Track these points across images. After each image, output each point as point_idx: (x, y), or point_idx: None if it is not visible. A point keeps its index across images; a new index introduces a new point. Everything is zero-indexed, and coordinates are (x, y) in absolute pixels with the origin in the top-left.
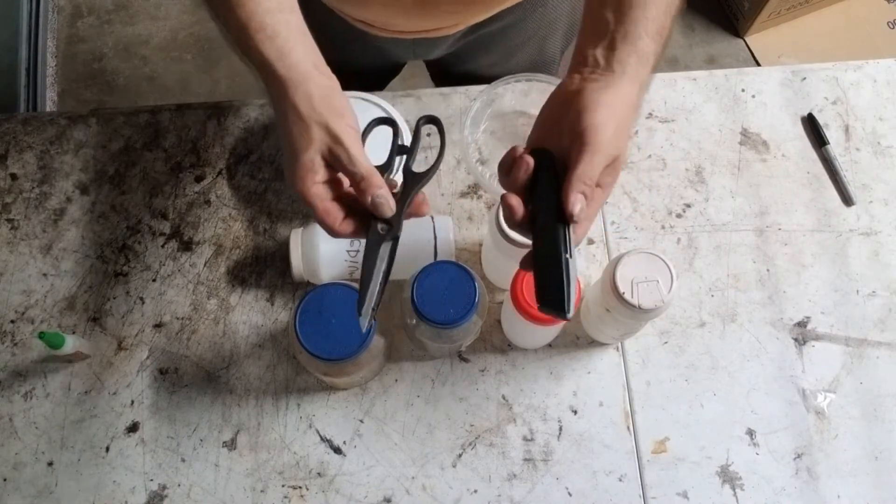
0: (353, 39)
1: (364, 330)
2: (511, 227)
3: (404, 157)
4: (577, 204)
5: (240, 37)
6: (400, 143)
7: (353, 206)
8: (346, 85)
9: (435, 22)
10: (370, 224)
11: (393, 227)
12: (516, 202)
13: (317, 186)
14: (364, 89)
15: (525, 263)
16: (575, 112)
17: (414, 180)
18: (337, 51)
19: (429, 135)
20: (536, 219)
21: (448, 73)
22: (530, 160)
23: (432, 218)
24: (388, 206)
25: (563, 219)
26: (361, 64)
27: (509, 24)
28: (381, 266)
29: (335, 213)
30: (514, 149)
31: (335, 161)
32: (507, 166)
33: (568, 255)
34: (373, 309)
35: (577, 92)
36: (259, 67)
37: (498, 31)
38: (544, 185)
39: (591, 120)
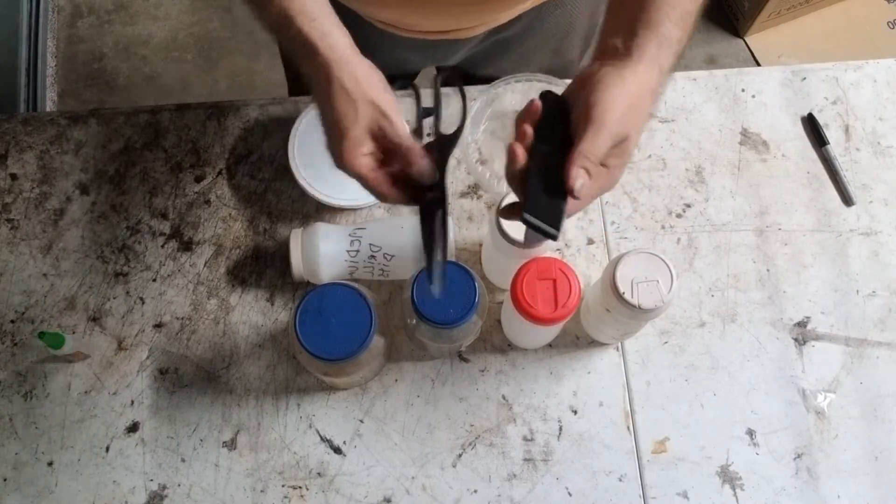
0: (372, 45)
1: (438, 294)
2: (509, 179)
3: (431, 118)
4: (578, 178)
5: (280, 19)
6: (423, 106)
7: (394, 176)
8: None
9: (456, 22)
10: (413, 193)
11: (442, 192)
12: (519, 150)
13: (364, 158)
14: None
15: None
16: (586, 92)
17: (447, 143)
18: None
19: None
20: (538, 151)
21: (464, 78)
22: (538, 103)
23: None
24: (433, 173)
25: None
26: (381, 68)
27: (527, 27)
28: (440, 231)
29: (385, 180)
30: (531, 101)
31: (382, 135)
32: (521, 116)
33: (556, 232)
34: (442, 274)
35: (593, 74)
36: (300, 47)
37: (516, 35)
38: (552, 131)
39: (599, 98)
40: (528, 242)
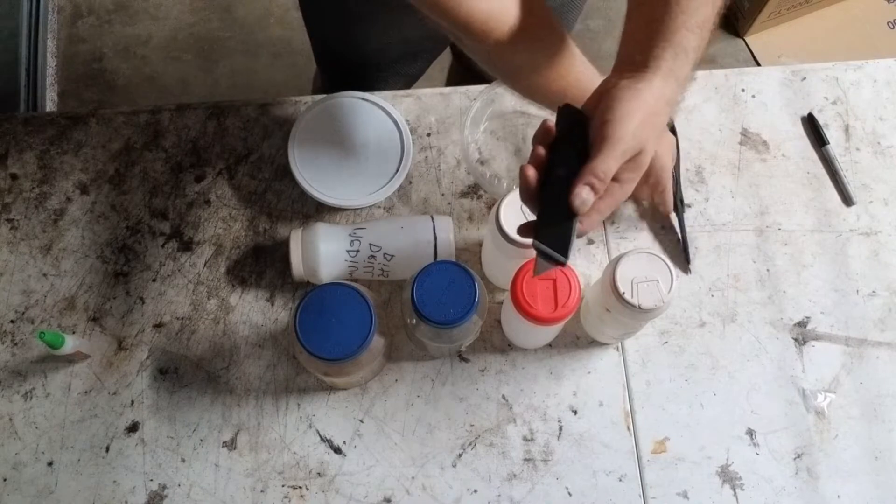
0: (408, 13)
1: (566, 260)
2: (524, 199)
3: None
4: (577, 197)
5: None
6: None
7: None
8: (400, 68)
9: None
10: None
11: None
12: (531, 172)
13: None
14: (414, 72)
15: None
16: (602, 108)
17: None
18: (396, 29)
19: (428, 134)
20: (553, 172)
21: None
22: (549, 124)
23: (432, 218)
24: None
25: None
26: (414, 41)
27: None
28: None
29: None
30: (543, 122)
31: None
32: (536, 138)
33: (563, 258)
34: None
35: (610, 89)
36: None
37: None
38: (569, 147)
39: (612, 114)
40: (538, 269)
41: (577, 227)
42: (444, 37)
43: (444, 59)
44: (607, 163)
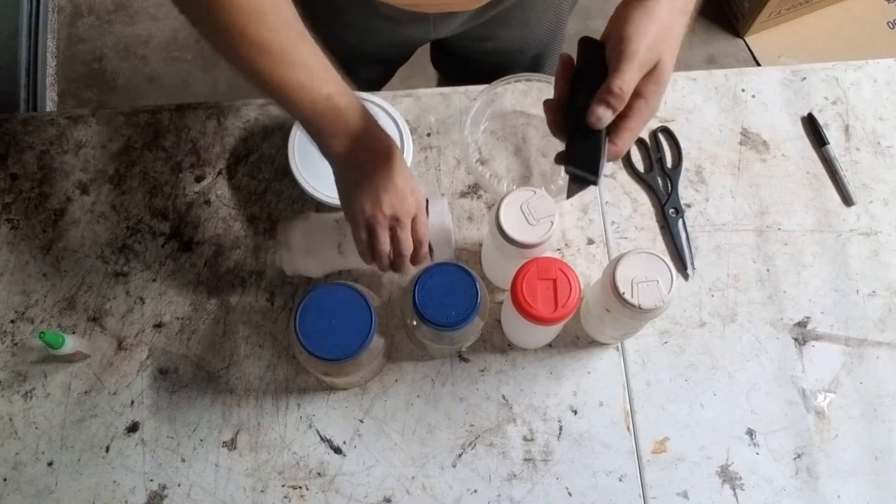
0: (372, 17)
1: (597, 179)
2: (552, 132)
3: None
4: (592, 114)
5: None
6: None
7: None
8: (358, 72)
9: None
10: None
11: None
12: (552, 104)
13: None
14: (374, 77)
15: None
16: (616, 30)
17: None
18: (356, 33)
19: (428, 134)
20: (578, 101)
21: (464, 53)
22: (566, 56)
23: (427, 200)
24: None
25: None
26: (378, 46)
27: None
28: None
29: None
30: (561, 56)
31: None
32: (559, 71)
33: (594, 178)
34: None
35: (621, 13)
36: (343, 112)
37: (514, 5)
38: (589, 75)
39: (625, 34)
40: (570, 192)
41: (608, 148)
42: (406, 51)
43: (431, 74)
44: (623, 78)
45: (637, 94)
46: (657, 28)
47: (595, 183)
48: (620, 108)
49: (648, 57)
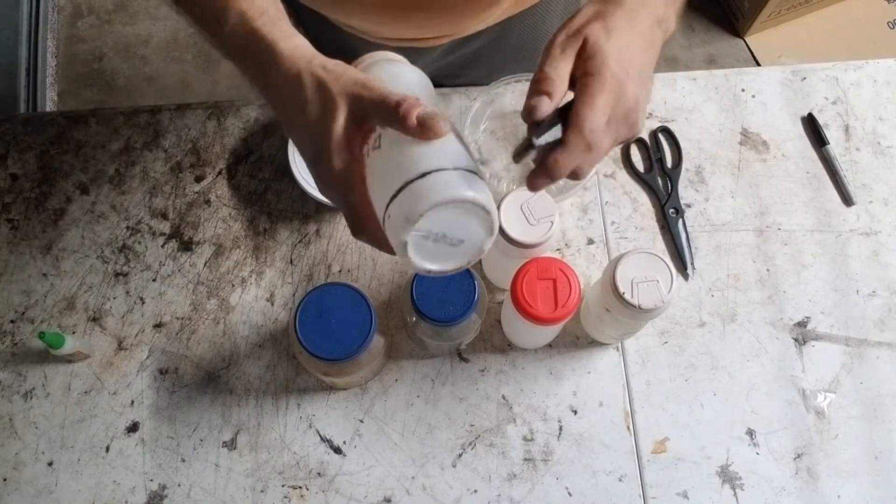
0: (340, 48)
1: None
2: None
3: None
4: (525, 106)
5: (237, 27)
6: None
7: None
8: None
9: (418, 31)
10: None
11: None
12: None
13: (357, 164)
14: None
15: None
16: (581, 62)
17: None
18: (336, 50)
19: None
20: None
21: (440, 85)
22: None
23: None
24: (440, 123)
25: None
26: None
27: (494, 40)
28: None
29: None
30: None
31: (366, 107)
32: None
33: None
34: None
35: (582, 35)
36: (260, 52)
37: (483, 47)
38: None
39: (588, 67)
40: (532, 182)
41: (571, 118)
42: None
43: None
44: (550, 63)
45: (576, 79)
46: (590, 11)
47: (533, 140)
48: (551, 90)
49: (573, 40)
